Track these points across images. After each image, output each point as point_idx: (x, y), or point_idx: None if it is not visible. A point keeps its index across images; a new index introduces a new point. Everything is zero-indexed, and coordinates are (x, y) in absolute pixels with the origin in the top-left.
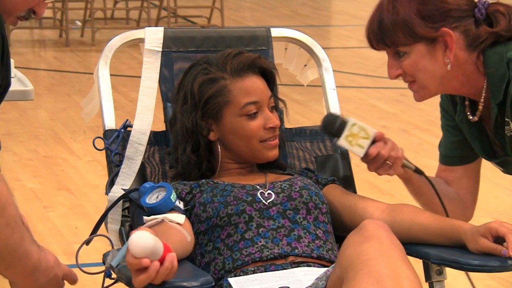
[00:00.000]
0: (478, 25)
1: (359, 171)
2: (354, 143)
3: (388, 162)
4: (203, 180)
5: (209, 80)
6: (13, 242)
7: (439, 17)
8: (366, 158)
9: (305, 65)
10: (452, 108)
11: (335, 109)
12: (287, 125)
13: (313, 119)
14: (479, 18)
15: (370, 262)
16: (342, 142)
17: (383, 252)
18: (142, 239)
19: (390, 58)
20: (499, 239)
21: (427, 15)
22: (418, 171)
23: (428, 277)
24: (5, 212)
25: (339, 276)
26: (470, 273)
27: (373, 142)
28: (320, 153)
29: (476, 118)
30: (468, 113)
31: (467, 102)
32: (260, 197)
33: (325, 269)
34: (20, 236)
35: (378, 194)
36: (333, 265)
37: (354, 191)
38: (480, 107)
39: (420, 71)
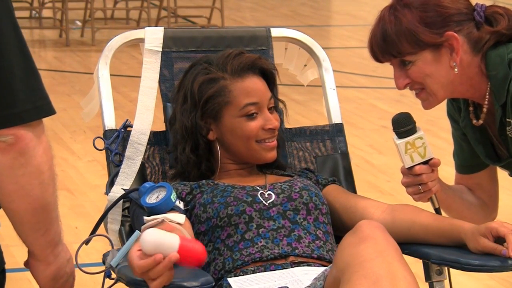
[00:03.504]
0: (479, 27)
1: (359, 171)
2: (408, 152)
3: (420, 187)
4: (204, 181)
5: (209, 80)
6: (55, 199)
7: (441, 23)
8: (408, 170)
9: (305, 65)
10: (458, 114)
11: (335, 109)
12: (287, 125)
13: (313, 119)
14: (479, 21)
15: (366, 264)
16: (400, 144)
17: (379, 253)
18: (150, 236)
19: (396, 68)
20: (500, 239)
21: (430, 22)
22: (438, 211)
23: (428, 277)
24: (52, 165)
25: (335, 278)
26: (471, 273)
27: (425, 162)
28: (320, 153)
29: (481, 122)
30: (472, 118)
31: (471, 108)
32: (260, 197)
33: (325, 268)
34: (55, 199)
35: (378, 194)
36: (331, 265)
37: (354, 191)
38: (484, 110)
39: (428, 76)
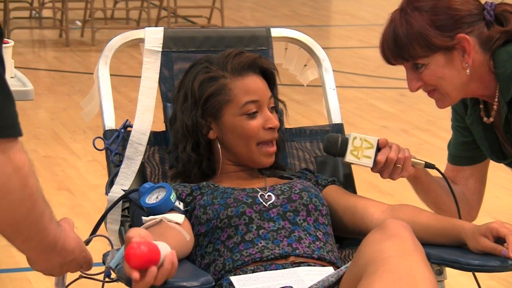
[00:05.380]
0: (489, 26)
1: (359, 171)
2: (360, 156)
3: (398, 165)
4: (204, 183)
5: (209, 79)
6: (34, 216)
7: (453, 25)
8: (376, 166)
9: (305, 65)
10: (463, 110)
11: (335, 109)
12: (287, 125)
13: (313, 119)
14: (489, 20)
15: (391, 260)
16: (349, 158)
17: (405, 252)
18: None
19: (408, 71)
20: (500, 240)
21: (441, 25)
22: (428, 165)
23: None
24: (28, 183)
25: (356, 275)
26: (471, 273)
27: (378, 149)
28: (320, 153)
29: (491, 119)
30: (483, 116)
31: (481, 106)
32: (260, 199)
33: (326, 268)
34: (41, 211)
35: (378, 194)
36: (347, 264)
37: (354, 191)
38: (495, 107)
39: (441, 78)
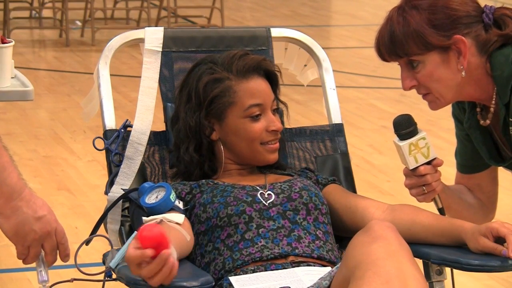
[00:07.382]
0: (487, 29)
1: (359, 171)
2: (412, 153)
3: (424, 188)
4: (203, 181)
5: (214, 80)
6: None
7: (450, 25)
8: (412, 172)
9: (305, 65)
10: (463, 115)
11: (335, 109)
12: (287, 125)
13: (313, 119)
14: (488, 23)
15: (379, 262)
16: (404, 146)
17: (391, 253)
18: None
19: (403, 69)
20: (500, 239)
21: (438, 24)
22: (441, 211)
23: (428, 277)
24: None
25: (345, 277)
26: (472, 273)
27: (428, 163)
28: (320, 153)
29: (488, 122)
30: (480, 119)
31: (478, 109)
32: (260, 197)
33: (326, 268)
34: None
35: (378, 194)
36: (338, 265)
37: (354, 191)
38: (492, 110)
39: (435, 81)
